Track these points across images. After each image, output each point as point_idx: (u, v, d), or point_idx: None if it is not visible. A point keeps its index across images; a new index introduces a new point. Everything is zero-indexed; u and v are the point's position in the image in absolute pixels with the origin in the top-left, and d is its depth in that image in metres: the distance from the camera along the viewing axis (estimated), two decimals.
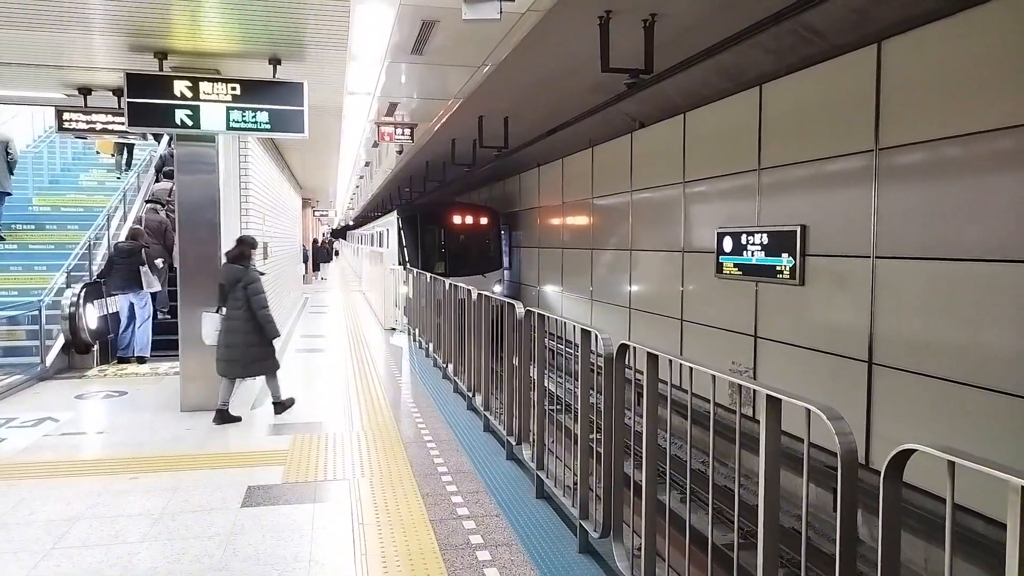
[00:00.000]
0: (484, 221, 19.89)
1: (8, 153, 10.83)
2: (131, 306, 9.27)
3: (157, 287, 9.56)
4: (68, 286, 9.21)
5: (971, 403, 5.92)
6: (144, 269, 9.29)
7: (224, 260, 6.60)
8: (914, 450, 1.73)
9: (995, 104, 5.71)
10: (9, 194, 11.08)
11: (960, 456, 1.59)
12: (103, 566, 3.62)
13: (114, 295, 9.42)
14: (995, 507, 5.40)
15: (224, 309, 6.44)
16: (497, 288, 18.31)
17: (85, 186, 14.10)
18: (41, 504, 4.43)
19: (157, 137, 12.56)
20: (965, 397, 5.97)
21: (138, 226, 10.28)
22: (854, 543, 1.95)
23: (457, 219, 19.60)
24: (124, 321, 9.32)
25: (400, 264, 16.68)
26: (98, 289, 9.44)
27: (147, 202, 11.80)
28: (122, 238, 10.31)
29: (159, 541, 3.92)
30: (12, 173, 11.04)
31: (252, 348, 6.41)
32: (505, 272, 19.93)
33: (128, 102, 6.11)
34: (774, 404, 2.29)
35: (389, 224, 21.29)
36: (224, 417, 6.35)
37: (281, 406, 6.72)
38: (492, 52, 7.86)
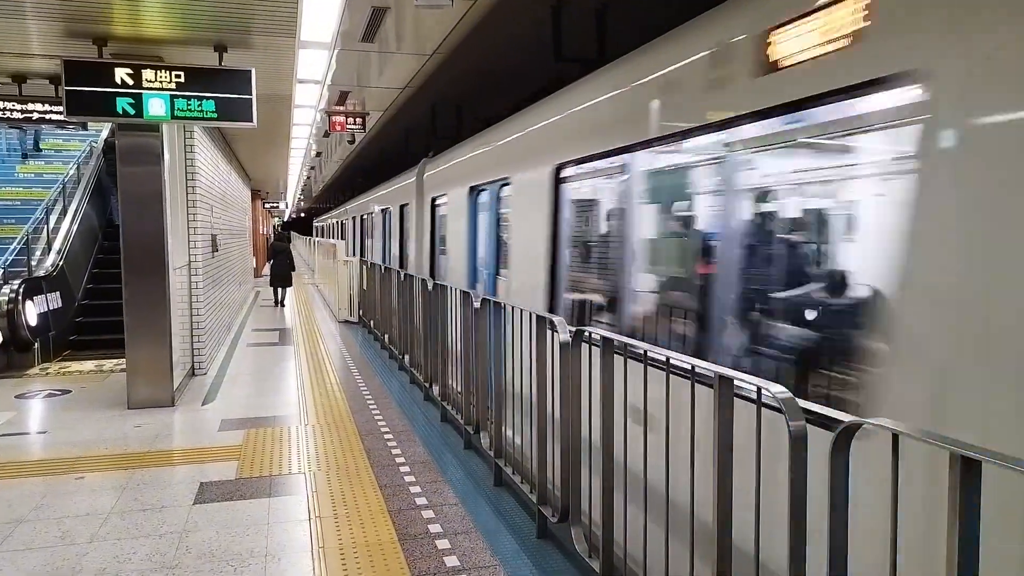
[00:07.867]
0: None
1: None
2: None
3: None
4: (6, 282, 8.87)
5: None
6: None
7: (272, 240, 17.70)
8: (860, 424, 1.78)
9: None
10: None
11: (904, 429, 1.65)
12: (49, 568, 3.51)
13: None
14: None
15: (274, 260, 15.11)
16: None
17: (22, 178, 13.58)
18: None
19: None
20: None
21: None
22: (803, 519, 2.01)
23: None
24: None
25: None
26: (37, 285, 9.12)
27: None
28: None
29: (108, 541, 3.81)
30: None
31: (289, 277, 15.22)
32: None
33: (66, 90, 5.88)
34: (726, 384, 2.34)
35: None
36: (280, 304, 15.13)
37: (281, 304, 15.06)
38: (444, 39, 7.79)
